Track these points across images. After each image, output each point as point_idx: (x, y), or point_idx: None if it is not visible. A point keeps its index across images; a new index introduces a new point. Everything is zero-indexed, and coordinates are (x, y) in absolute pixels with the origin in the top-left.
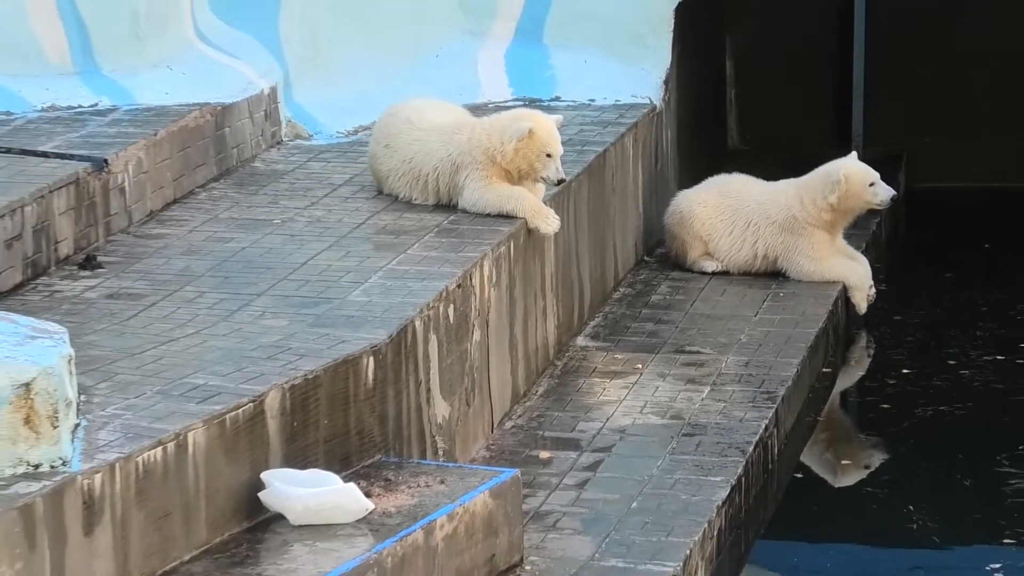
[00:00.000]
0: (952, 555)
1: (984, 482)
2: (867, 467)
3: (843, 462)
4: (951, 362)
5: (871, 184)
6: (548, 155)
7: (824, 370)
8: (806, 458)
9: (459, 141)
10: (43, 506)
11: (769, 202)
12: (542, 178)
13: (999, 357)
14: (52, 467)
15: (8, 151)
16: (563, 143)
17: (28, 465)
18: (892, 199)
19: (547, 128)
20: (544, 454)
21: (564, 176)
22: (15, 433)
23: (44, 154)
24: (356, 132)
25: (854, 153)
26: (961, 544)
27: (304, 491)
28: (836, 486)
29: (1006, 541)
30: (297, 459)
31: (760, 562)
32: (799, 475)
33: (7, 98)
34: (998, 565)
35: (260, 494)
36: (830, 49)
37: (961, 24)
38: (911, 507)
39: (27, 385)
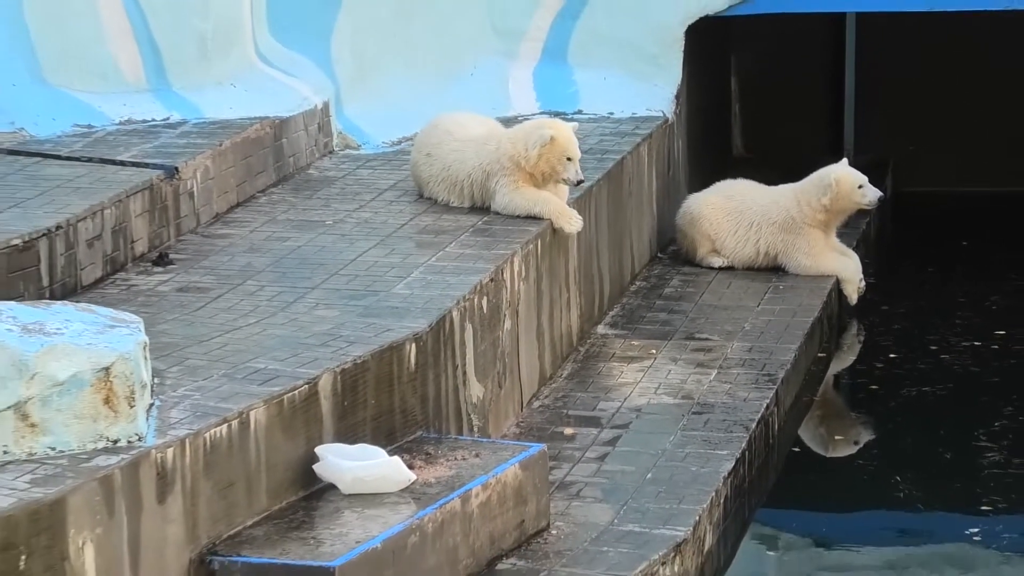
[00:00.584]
0: (934, 520)
1: (963, 455)
2: (857, 442)
3: (836, 437)
4: (933, 347)
5: (860, 187)
6: (568, 158)
7: (819, 355)
8: (803, 434)
9: (489, 151)
10: (121, 477)
11: (770, 204)
12: (564, 180)
13: (976, 343)
14: (129, 442)
15: (90, 160)
16: (585, 152)
17: (108, 440)
18: (879, 200)
19: (566, 134)
20: (568, 430)
21: (583, 177)
22: (96, 412)
23: (121, 163)
24: (399, 142)
25: (845, 160)
26: (942, 510)
27: (353, 464)
28: (830, 458)
29: (983, 508)
30: (347, 435)
31: (762, 527)
32: (796, 449)
33: (89, 113)
34: (976, 530)
35: (314, 466)
36: (824, 68)
37: (942, 47)
38: (898, 477)
39: (107, 369)
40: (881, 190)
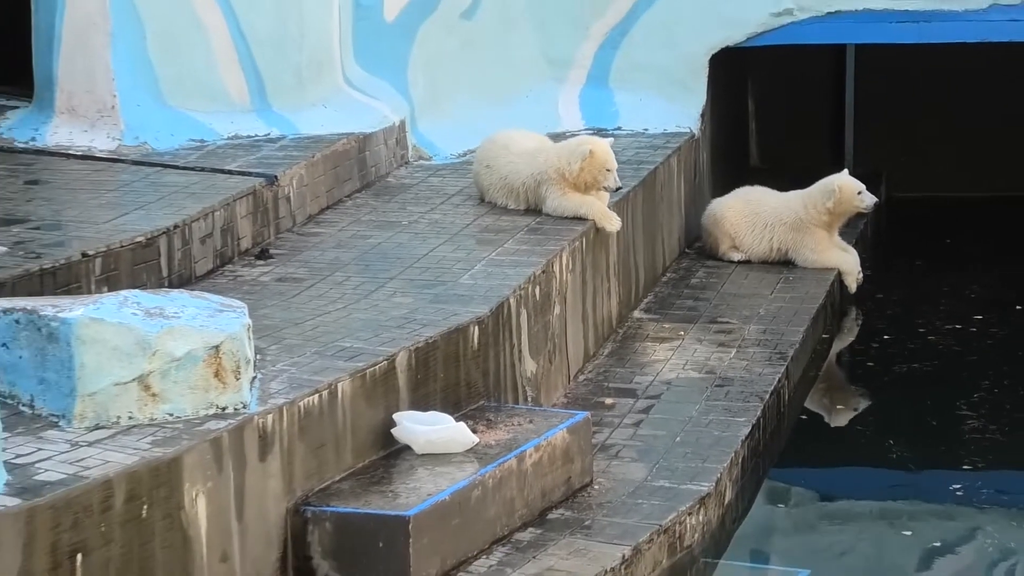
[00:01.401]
0: (923, 478)
1: (947, 422)
2: (856, 410)
3: (838, 407)
4: (921, 330)
5: (859, 193)
6: (607, 169)
7: (823, 336)
8: (809, 404)
9: (540, 162)
10: (228, 439)
11: (782, 208)
12: (604, 187)
13: (957, 326)
14: (235, 410)
15: (202, 170)
16: (623, 163)
17: (217, 408)
18: (875, 204)
19: (604, 148)
20: (608, 400)
21: (620, 184)
22: (207, 384)
23: (229, 172)
24: (464, 155)
25: (846, 170)
26: (929, 469)
27: (425, 428)
28: (832, 426)
29: (964, 467)
30: (420, 403)
31: (774, 483)
32: (804, 416)
33: (201, 129)
34: (958, 486)
35: (392, 430)
36: (827, 91)
37: (929, 71)
38: (891, 441)
39: (216, 347)
40: (876, 196)
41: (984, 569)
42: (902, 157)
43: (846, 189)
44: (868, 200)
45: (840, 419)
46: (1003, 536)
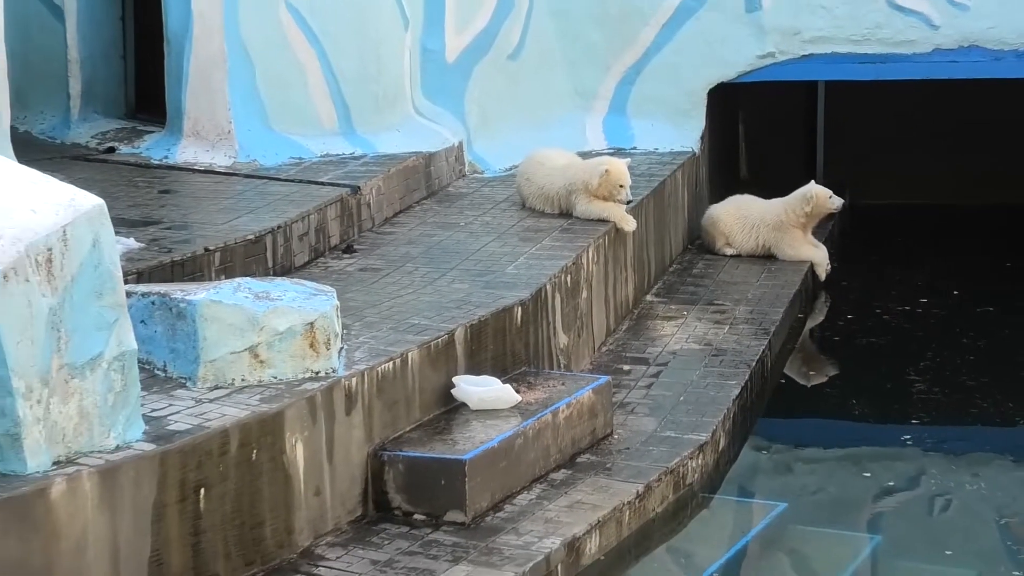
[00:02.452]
0: (879, 430)
1: (899, 386)
2: (825, 376)
3: (811, 373)
4: (877, 311)
5: (830, 197)
6: (620, 185)
7: (799, 315)
8: (788, 370)
9: (569, 176)
10: (320, 397)
11: (766, 212)
12: (616, 200)
13: (906, 308)
14: (326, 374)
15: (300, 181)
16: (637, 176)
17: (312, 372)
18: (842, 206)
19: (619, 168)
20: (625, 367)
21: (631, 198)
22: (304, 353)
23: (321, 183)
24: (509, 169)
25: (813, 181)
26: (886, 423)
27: (479, 388)
28: (807, 388)
29: (912, 422)
30: (474, 369)
31: (758, 434)
32: (783, 380)
33: (299, 149)
34: (908, 437)
35: (452, 390)
36: (802, 117)
37: (886, 98)
38: (854, 400)
39: (311, 324)
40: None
41: (927, 501)
42: (863, 170)
43: (820, 195)
44: (837, 202)
45: (813, 383)
46: (943, 476)
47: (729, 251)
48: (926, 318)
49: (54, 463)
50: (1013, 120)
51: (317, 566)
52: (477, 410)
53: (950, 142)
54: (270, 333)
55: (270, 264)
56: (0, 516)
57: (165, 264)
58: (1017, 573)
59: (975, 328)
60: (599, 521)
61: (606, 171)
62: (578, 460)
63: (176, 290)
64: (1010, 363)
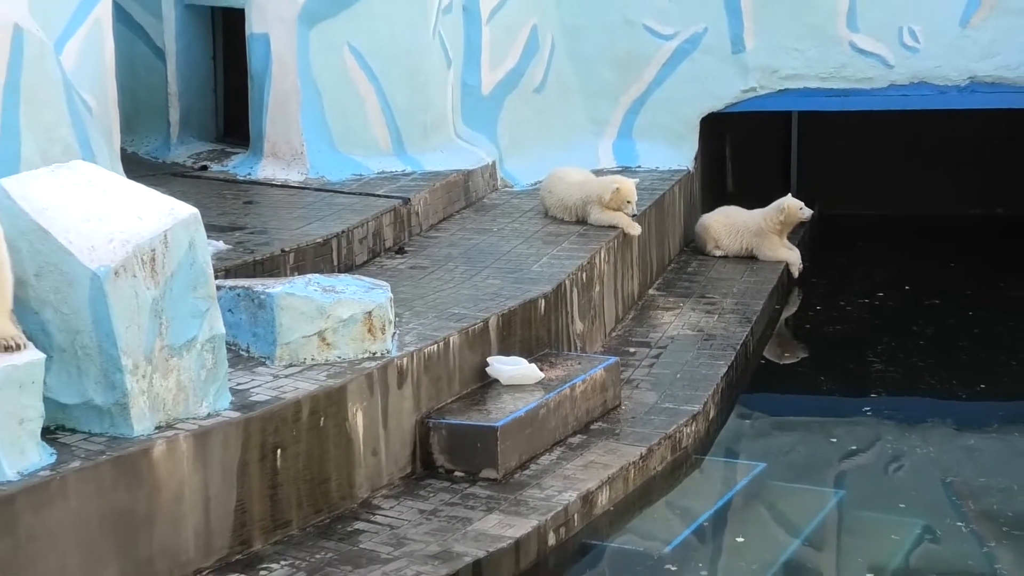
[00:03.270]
0: (843, 402)
1: (860, 366)
2: (798, 357)
3: (786, 355)
4: (842, 303)
5: (801, 208)
6: (628, 201)
7: (776, 306)
8: (767, 353)
9: (585, 190)
10: (377, 374)
11: (748, 220)
12: (624, 212)
13: (866, 300)
14: (382, 354)
15: (360, 194)
16: (642, 189)
17: (370, 353)
18: (812, 215)
19: (628, 186)
20: (631, 349)
21: (636, 212)
22: (363, 337)
23: (378, 196)
24: (534, 184)
25: (790, 194)
26: (848, 397)
27: (509, 367)
28: (782, 367)
29: (871, 395)
30: (504, 351)
31: (742, 405)
32: (763, 361)
33: (359, 167)
34: (867, 408)
35: (486, 368)
36: (779, 140)
37: (849, 127)
38: (822, 378)
39: (369, 313)
40: (812, 211)
41: (883, 462)
42: (830, 186)
43: (792, 206)
44: (807, 212)
45: (787, 363)
46: (897, 442)
47: (718, 253)
48: (882, 309)
49: (156, 428)
50: (958, 141)
51: (374, 514)
52: (507, 385)
53: (905, 162)
54: (335, 320)
55: (335, 263)
56: (112, 472)
57: (248, 263)
58: (960, 523)
59: (923, 318)
60: (609, 478)
61: (617, 188)
62: (591, 427)
63: (257, 284)
64: (953, 347)
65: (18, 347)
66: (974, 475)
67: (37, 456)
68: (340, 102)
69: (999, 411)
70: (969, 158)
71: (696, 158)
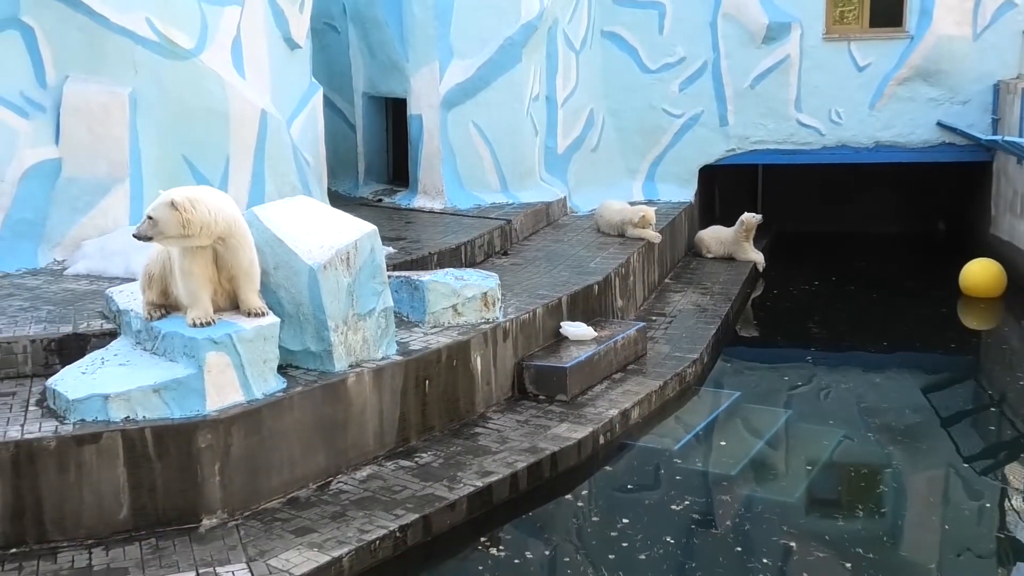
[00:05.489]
0: (791, 352)
1: (803, 330)
2: (767, 328)
3: (754, 323)
4: (791, 289)
5: (753, 216)
6: (650, 224)
7: (747, 291)
8: (741, 322)
9: (623, 215)
10: (490, 332)
11: (729, 234)
12: (649, 228)
13: (806, 287)
14: (493, 320)
15: (478, 217)
16: (661, 215)
17: (485, 320)
18: (761, 219)
19: (650, 212)
20: (654, 318)
21: (658, 234)
22: (481, 309)
23: (490, 218)
24: (591, 211)
25: (758, 214)
26: (796, 349)
27: (574, 328)
28: (755, 335)
29: (812, 348)
30: (571, 318)
31: (725, 354)
32: (738, 327)
33: (479, 200)
34: (808, 357)
35: (560, 329)
36: (750, 182)
37: (802, 172)
38: (778, 337)
39: (486, 293)
40: (772, 228)
41: (818, 393)
42: (785, 211)
43: (747, 217)
44: (758, 217)
45: (758, 334)
46: (827, 379)
47: (709, 256)
48: (819, 292)
49: (349, 366)
50: (879, 179)
51: (487, 423)
52: (573, 340)
53: (838, 196)
54: (463, 298)
55: (463, 261)
56: (323, 394)
57: (407, 261)
58: (868, 433)
59: (844, 299)
60: (638, 400)
61: (643, 215)
62: (627, 368)
63: (413, 275)
64: (866, 315)
65: (263, 314)
66: (877, 401)
67: (275, 383)
68: (467, 158)
69: (895, 360)
70: (885, 191)
71: (696, 194)
